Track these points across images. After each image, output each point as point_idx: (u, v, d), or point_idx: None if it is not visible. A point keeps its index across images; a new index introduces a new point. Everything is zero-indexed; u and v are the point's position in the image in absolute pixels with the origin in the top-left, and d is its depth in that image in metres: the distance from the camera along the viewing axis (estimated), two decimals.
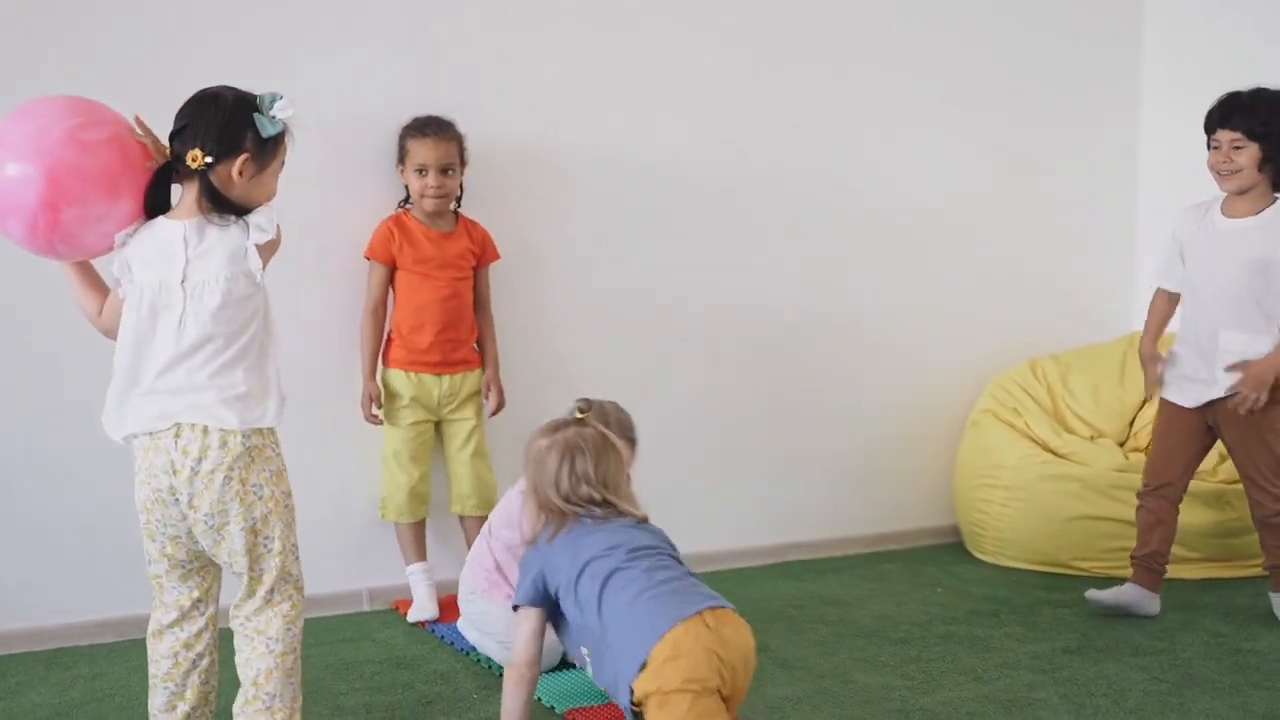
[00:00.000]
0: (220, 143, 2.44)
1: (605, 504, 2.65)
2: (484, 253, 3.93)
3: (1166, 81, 5.10)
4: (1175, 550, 4.20)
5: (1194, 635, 3.62)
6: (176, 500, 2.48)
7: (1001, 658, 3.44)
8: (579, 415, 2.76)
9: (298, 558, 2.59)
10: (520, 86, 4.09)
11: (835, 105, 4.60)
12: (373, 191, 3.88)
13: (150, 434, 2.49)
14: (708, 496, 4.45)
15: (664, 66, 4.31)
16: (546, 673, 3.27)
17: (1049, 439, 4.52)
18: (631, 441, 3.19)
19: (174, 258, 2.46)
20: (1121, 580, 4.21)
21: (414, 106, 3.85)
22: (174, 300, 2.46)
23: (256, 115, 2.45)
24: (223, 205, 2.46)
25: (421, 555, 3.85)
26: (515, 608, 2.70)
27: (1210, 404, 3.70)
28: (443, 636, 3.63)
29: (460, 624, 3.54)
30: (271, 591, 2.55)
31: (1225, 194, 3.72)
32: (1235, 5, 4.85)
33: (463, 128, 3.85)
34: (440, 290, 3.79)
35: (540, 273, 4.18)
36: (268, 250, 2.49)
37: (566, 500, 2.64)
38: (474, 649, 3.49)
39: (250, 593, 2.55)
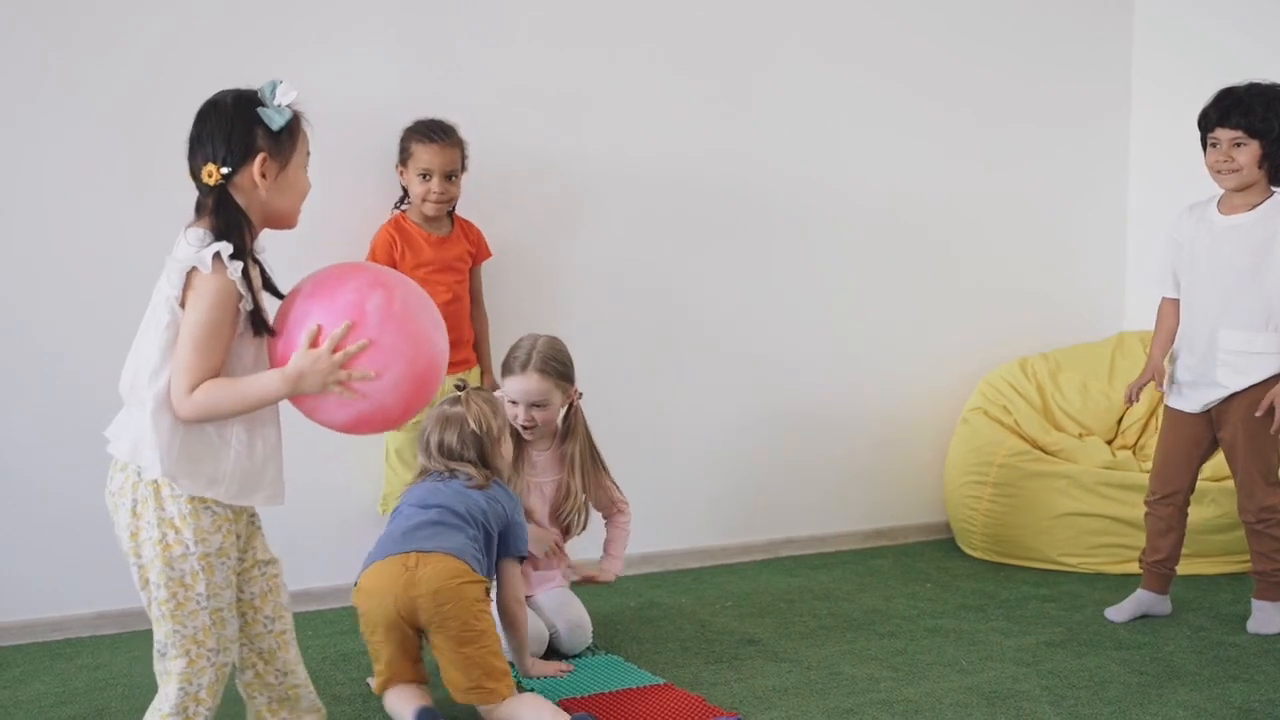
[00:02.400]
0: (231, 149, 2.24)
1: (448, 468, 3.12)
2: (479, 251, 3.97)
3: (1156, 81, 5.13)
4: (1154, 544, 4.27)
5: (1176, 629, 3.68)
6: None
7: (986, 650, 3.50)
8: (456, 394, 3.20)
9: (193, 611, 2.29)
10: (524, 90, 4.15)
11: (826, 109, 4.65)
12: (371, 193, 3.92)
13: None
14: (703, 493, 4.51)
15: (664, 73, 4.37)
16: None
17: (1038, 436, 4.58)
18: (560, 375, 3.51)
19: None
20: (1108, 576, 4.28)
21: (413, 108, 3.87)
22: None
23: (261, 110, 2.26)
24: (228, 222, 2.24)
25: None
26: None
27: (1212, 406, 3.66)
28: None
29: None
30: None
31: (1222, 192, 3.67)
32: (1224, 6, 4.89)
33: (467, 130, 3.88)
34: (442, 295, 3.79)
35: (545, 274, 4.24)
36: (197, 289, 2.20)
37: (426, 459, 3.16)
38: None
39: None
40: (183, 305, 2.21)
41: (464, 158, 3.86)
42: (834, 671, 3.33)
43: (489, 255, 4.00)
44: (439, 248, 3.85)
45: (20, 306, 3.63)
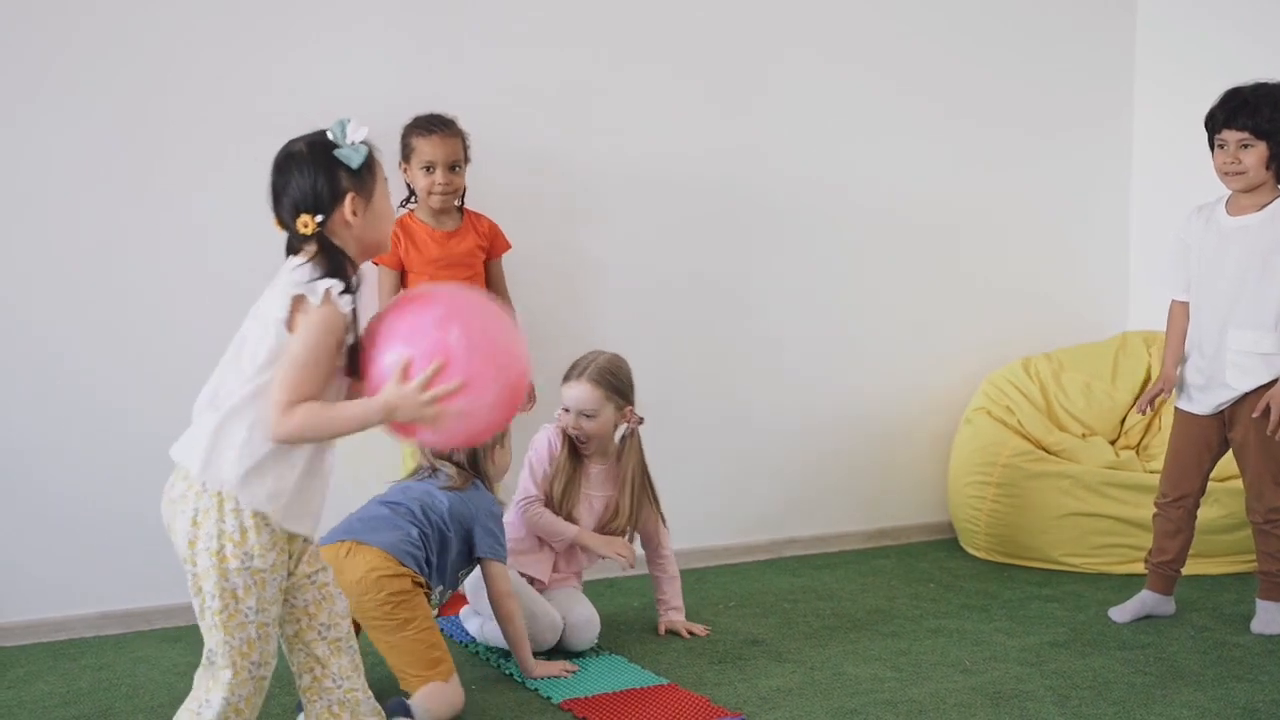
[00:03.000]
0: (319, 198, 2.29)
1: (432, 466, 3.29)
2: (493, 245, 3.93)
3: (1159, 82, 5.12)
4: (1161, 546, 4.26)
5: (1179, 630, 3.67)
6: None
7: (990, 651, 3.49)
8: None
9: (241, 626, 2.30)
10: (527, 89, 4.15)
11: (829, 111, 4.64)
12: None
13: None
14: (706, 493, 4.50)
15: (670, 72, 4.37)
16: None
17: (1042, 437, 4.57)
18: (613, 389, 3.57)
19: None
20: (1111, 576, 4.28)
21: (416, 108, 3.85)
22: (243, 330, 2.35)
23: (337, 152, 2.30)
24: (333, 262, 2.28)
25: None
26: None
27: (1224, 408, 3.63)
28: (442, 629, 3.68)
29: (462, 614, 3.61)
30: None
31: (1230, 192, 3.65)
32: (1226, 7, 4.88)
33: (481, 127, 3.86)
34: None
35: (555, 273, 4.25)
36: (308, 319, 2.24)
37: (421, 455, 3.34)
38: (474, 640, 3.55)
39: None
40: (289, 329, 2.26)
41: (466, 148, 3.84)
42: (838, 672, 3.33)
43: (507, 247, 3.96)
44: (445, 244, 3.83)
45: (23, 306, 3.62)
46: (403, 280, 3.83)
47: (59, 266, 3.65)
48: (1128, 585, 4.11)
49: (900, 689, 3.20)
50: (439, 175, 3.78)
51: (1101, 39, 5.17)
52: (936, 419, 4.90)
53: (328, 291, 2.23)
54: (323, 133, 2.33)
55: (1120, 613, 3.78)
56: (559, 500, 3.55)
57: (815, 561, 4.56)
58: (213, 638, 2.30)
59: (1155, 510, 3.79)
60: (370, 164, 2.34)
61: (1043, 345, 4.99)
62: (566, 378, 3.58)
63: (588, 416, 3.54)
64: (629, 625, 3.77)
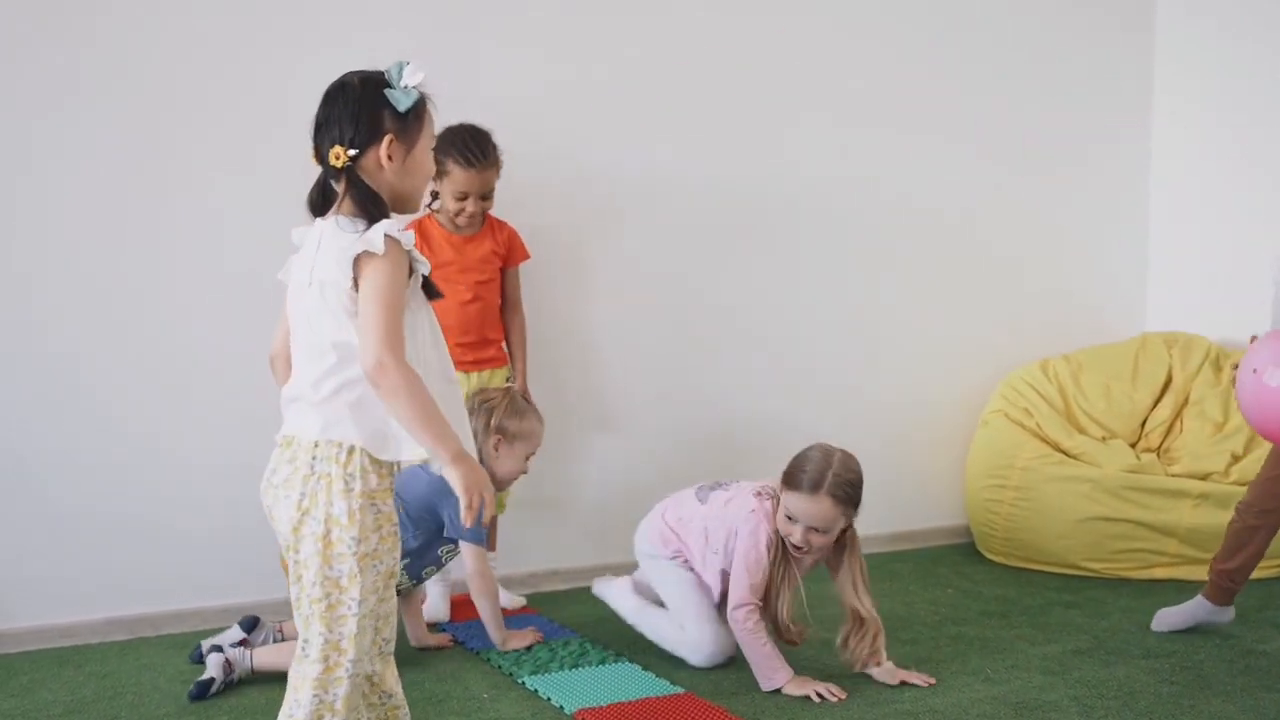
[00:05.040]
0: (359, 131, 2.20)
1: None
2: (511, 253, 3.87)
3: (1178, 85, 5.08)
4: (1187, 550, 4.21)
5: (1205, 637, 3.60)
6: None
7: (1012, 659, 3.43)
8: (496, 391, 3.54)
9: (346, 615, 2.21)
10: (537, 91, 4.11)
11: (848, 112, 4.60)
12: None
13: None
14: None
15: (688, 77, 4.32)
16: (559, 671, 3.28)
17: (1060, 439, 4.50)
18: (851, 502, 3.25)
19: (307, 256, 2.26)
20: (1132, 582, 4.21)
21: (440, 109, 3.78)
22: (302, 301, 2.26)
23: (388, 91, 2.22)
24: (370, 202, 2.21)
25: None
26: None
27: None
28: (454, 636, 3.63)
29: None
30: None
31: None
32: (1245, 14, 4.83)
33: (504, 127, 3.79)
34: (461, 295, 3.73)
35: (574, 276, 4.21)
36: (375, 266, 2.14)
37: None
38: (487, 648, 3.49)
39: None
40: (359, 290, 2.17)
41: (499, 169, 3.76)
42: (857, 680, 3.26)
43: (525, 257, 3.91)
44: (461, 248, 3.78)
45: (32, 310, 3.58)
46: None
47: (70, 270, 3.61)
48: (1149, 591, 4.06)
49: (921, 699, 3.14)
50: (470, 204, 3.72)
51: (1121, 43, 5.12)
52: (953, 421, 4.84)
53: (386, 236, 2.15)
54: (381, 71, 2.25)
55: (1166, 619, 3.62)
56: (774, 607, 3.28)
57: None
58: (310, 629, 2.21)
59: (1234, 515, 3.53)
60: (419, 113, 2.26)
61: (1061, 346, 4.93)
62: (795, 484, 3.21)
63: (819, 531, 3.22)
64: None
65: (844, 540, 3.31)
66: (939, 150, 4.77)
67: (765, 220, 4.49)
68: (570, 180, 4.18)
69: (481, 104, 3.81)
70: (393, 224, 2.17)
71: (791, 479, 3.22)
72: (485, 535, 3.50)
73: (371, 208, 2.20)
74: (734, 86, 4.41)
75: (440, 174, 3.70)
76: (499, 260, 3.85)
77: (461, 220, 3.75)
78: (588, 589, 4.00)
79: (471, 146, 3.68)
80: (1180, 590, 4.08)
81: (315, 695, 2.20)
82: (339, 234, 2.18)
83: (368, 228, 2.16)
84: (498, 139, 3.76)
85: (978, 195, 4.86)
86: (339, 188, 2.24)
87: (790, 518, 3.22)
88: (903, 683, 3.24)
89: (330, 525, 2.17)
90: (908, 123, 4.71)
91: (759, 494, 3.32)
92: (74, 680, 3.31)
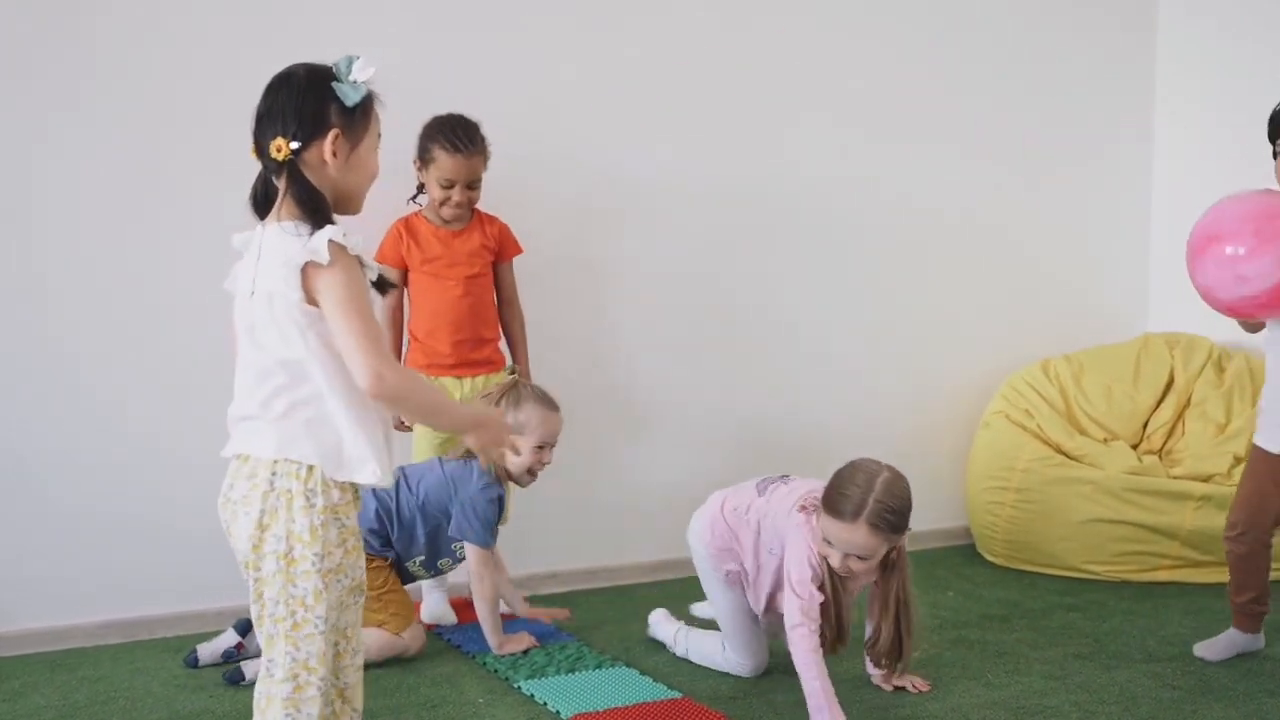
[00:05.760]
0: (302, 124, 2.11)
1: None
2: (502, 248, 3.83)
3: (1181, 85, 5.06)
4: (1189, 553, 4.17)
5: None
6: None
7: (1012, 663, 3.40)
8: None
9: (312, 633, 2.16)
10: (542, 94, 4.09)
11: (851, 114, 4.58)
12: (390, 192, 3.80)
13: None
14: None
15: (699, 78, 4.31)
16: (555, 676, 3.25)
17: (1062, 441, 4.47)
18: (894, 529, 2.97)
19: (249, 264, 2.18)
20: (1134, 585, 4.19)
21: (442, 107, 3.75)
22: (247, 313, 2.18)
23: (335, 85, 2.14)
24: (312, 201, 2.13)
25: None
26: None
27: None
28: (449, 640, 3.61)
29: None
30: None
31: None
32: (1247, 16, 4.80)
33: (493, 132, 3.76)
34: (451, 290, 3.71)
35: (582, 276, 4.20)
36: (330, 278, 2.07)
37: None
38: (483, 651, 3.46)
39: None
40: (309, 303, 2.10)
41: (487, 159, 3.73)
42: (857, 685, 3.23)
43: (518, 251, 3.86)
44: (448, 242, 3.74)
45: (27, 314, 3.55)
46: (404, 280, 3.74)
47: (65, 275, 3.59)
48: (1151, 594, 4.04)
49: (920, 703, 3.11)
50: (456, 193, 3.68)
51: (1123, 43, 5.10)
52: (954, 422, 4.82)
53: (330, 243, 2.07)
54: (329, 65, 2.17)
55: (1209, 649, 3.46)
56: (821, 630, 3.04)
57: None
58: (274, 648, 2.15)
59: (1227, 547, 3.43)
60: (366, 108, 2.18)
61: (1062, 347, 4.90)
62: (836, 511, 2.95)
63: (860, 559, 2.97)
64: (641, 636, 3.68)
65: (889, 559, 3.06)
66: (939, 151, 4.74)
67: (765, 221, 4.46)
68: (570, 182, 4.15)
69: (482, 104, 3.79)
70: (337, 229, 2.10)
71: (830, 502, 2.97)
72: (491, 537, 3.45)
73: (313, 208, 2.12)
74: (734, 87, 4.38)
75: (426, 161, 3.67)
76: (490, 255, 3.80)
77: (447, 212, 3.71)
78: (584, 592, 3.99)
79: (459, 133, 3.65)
80: (1183, 593, 4.06)
81: (287, 714, 2.14)
82: (282, 239, 2.10)
83: (311, 233, 2.08)
84: (498, 139, 3.73)
85: (978, 196, 4.83)
86: (279, 184, 2.16)
87: (828, 541, 2.99)
88: (897, 688, 3.20)
89: (292, 542, 2.11)
90: (907, 123, 4.68)
91: (804, 508, 3.09)
92: (66, 685, 3.29)
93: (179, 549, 3.69)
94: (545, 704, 3.10)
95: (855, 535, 2.91)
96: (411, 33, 3.89)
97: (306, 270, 2.08)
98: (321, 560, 2.12)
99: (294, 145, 2.12)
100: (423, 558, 3.49)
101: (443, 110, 3.73)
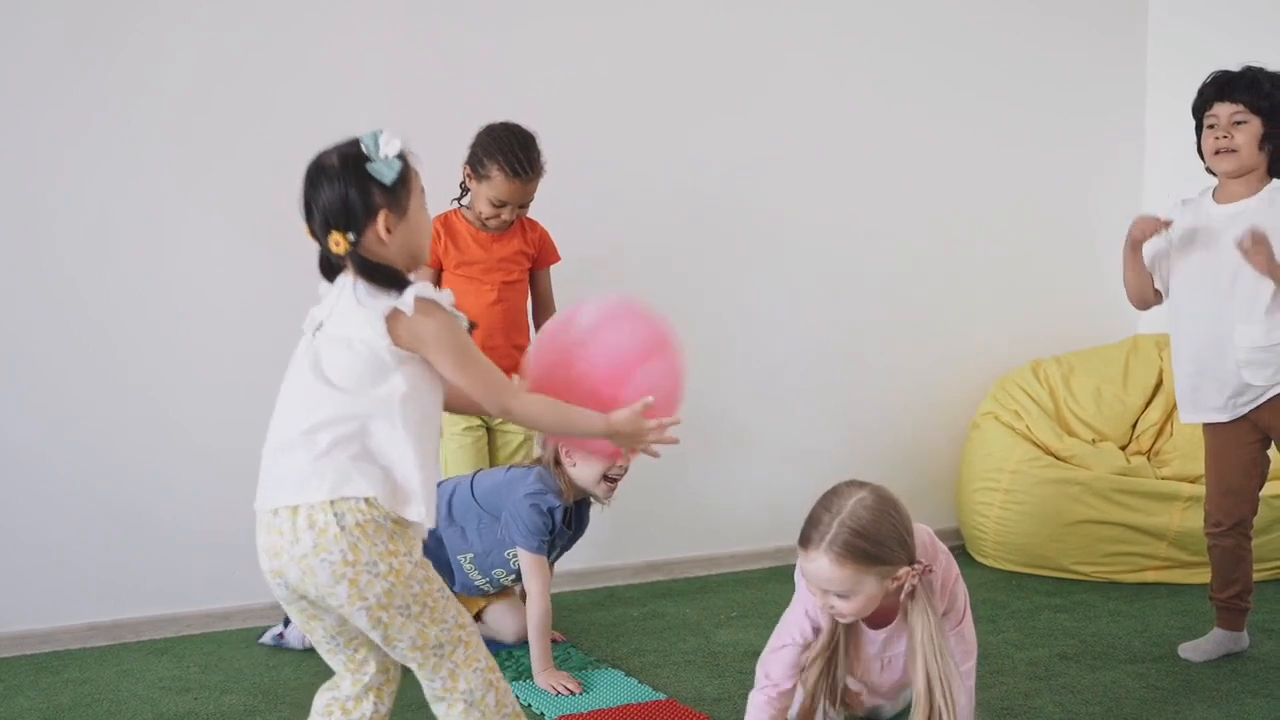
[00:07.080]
0: (352, 217, 2.16)
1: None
2: (541, 254, 3.73)
3: (1170, 86, 5.04)
4: (1177, 554, 4.17)
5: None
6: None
7: (997, 664, 3.40)
8: None
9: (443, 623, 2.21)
10: (546, 95, 4.08)
11: (836, 116, 4.58)
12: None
13: None
14: (710, 499, 4.43)
15: (682, 85, 4.31)
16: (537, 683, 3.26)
17: (1050, 442, 4.47)
18: (867, 559, 2.50)
19: (327, 306, 2.24)
20: (1122, 585, 4.19)
21: (463, 115, 3.69)
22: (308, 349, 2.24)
23: (370, 166, 2.17)
24: (384, 276, 2.18)
25: None
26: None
27: (1250, 410, 3.30)
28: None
29: None
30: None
31: (1217, 181, 3.38)
32: (1237, 11, 4.81)
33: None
34: (485, 296, 3.59)
35: (572, 278, 4.15)
36: (432, 329, 2.15)
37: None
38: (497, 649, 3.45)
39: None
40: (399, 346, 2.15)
41: (542, 176, 3.58)
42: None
43: (556, 259, 3.77)
44: (487, 246, 3.62)
45: (17, 315, 3.55)
46: (437, 280, 3.60)
47: (58, 275, 3.59)
48: (1139, 595, 4.03)
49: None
50: (506, 213, 3.57)
51: (1114, 44, 5.11)
52: (943, 424, 4.82)
53: (417, 299, 2.13)
54: (356, 143, 2.19)
55: (1194, 650, 3.43)
56: (813, 690, 2.68)
57: None
58: (430, 634, 2.19)
59: (1210, 543, 3.42)
60: (405, 177, 2.21)
61: (1052, 348, 4.91)
62: (800, 539, 2.54)
63: (840, 596, 2.52)
64: (627, 637, 3.68)
65: (904, 596, 2.59)
66: (926, 152, 4.74)
67: (751, 225, 4.46)
68: (569, 182, 4.14)
69: (481, 105, 3.78)
70: (424, 286, 2.16)
71: (800, 535, 2.57)
72: (537, 543, 3.31)
73: (388, 282, 2.17)
74: (720, 89, 4.39)
75: (480, 176, 3.54)
76: (527, 261, 3.70)
77: (493, 224, 3.60)
78: (572, 593, 3.98)
79: (520, 155, 3.50)
80: (1171, 593, 4.07)
81: (476, 671, 2.23)
82: (360, 307, 2.16)
83: (391, 293, 2.16)
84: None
85: (966, 197, 4.83)
86: (346, 267, 2.21)
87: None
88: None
89: (390, 559, 2.12)
90: (900, 123, 4.68)
91: None
92: (50, 687, 3.29)
93: (165, 551, 3.69)
94: (530, 705, 3.10)
95: (816, 565, 2.49)
96: (414, 40, 3.89)
97: (393, 319, 2.13)
98: (414, 552, 2.17)
99: (350, 236, 2.17)
100: (473, 555, 3.42)
101: (444, 110, 3.74)
